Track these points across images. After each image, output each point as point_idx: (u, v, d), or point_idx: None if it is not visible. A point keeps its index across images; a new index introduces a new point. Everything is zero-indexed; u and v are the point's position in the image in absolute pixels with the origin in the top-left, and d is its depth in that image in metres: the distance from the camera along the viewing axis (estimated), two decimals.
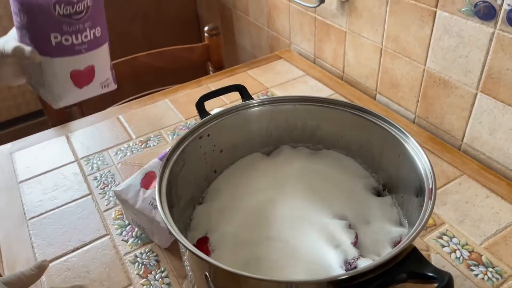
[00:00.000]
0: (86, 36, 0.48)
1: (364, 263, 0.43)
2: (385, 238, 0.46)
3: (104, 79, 0.54)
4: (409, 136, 0.46)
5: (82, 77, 0.51)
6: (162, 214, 0.40)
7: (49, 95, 0.51)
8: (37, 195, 0.71)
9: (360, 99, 0.89)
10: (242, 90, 0.56)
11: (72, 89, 0.50)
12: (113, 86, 0.56)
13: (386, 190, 0.52)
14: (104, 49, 0.51)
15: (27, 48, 0.46)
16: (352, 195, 0.51)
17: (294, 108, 0.55)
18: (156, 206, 0.57)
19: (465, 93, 0.70)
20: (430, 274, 0.33)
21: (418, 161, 0.44)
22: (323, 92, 0.92)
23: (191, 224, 0.52)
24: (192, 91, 0.95)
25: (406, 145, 0.46)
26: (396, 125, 0.48)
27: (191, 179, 0.51)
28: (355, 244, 0.46)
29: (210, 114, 0.53)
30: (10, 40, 0.48)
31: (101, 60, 0.52)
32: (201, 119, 0.52)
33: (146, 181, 0.61)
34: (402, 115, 0.84)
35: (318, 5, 0.90)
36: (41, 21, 0.45)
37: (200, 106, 0.54)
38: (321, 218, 0.47)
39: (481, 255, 0.56)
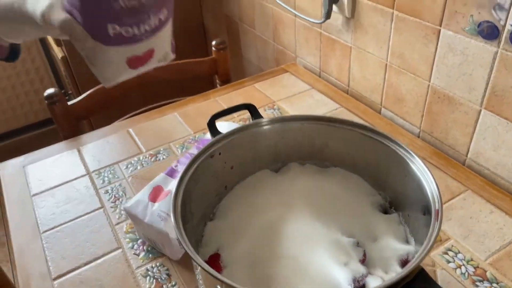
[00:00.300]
0: (150, 25, 0.41)
1: (372, 281, 0.44)
2: (392, 255, 0.47)
3: (162, 54, 0.47)
4: (416, 156, 0.48)
5: (140, 61, 0.45)
6: (178, 235, 0.41)
7: (99, 75, 0.45)
8: (50, 208, 0.73)
9: (365, 113, 0.90)
10: (251, 109, 0.57)
11: (126, 71, 0.45)
12: (171, 57, 0.49)
13: (392, 207, 0.54)
14: (168, 28, 0.45)
15: (79, 28, 0.39)
16: (359, 213, 0.53)
17: (302, 127, 0.57)
18: (165, 218, 0.59)
19: (469, 109, 0.71)
20: None
21: (424, 182, 0.45)
22: (329, 106, 0.93)
23: (203, 240, 0.53)
24: (200, 105, 0.97)
25: (413, 166, 0.47)
26: (402, 145, 0.49)
27: (203, 196, 0.53)
28: (363, 261, 0.47)
29: (222, 133, 0.54)
30: (57, 6, 0.40)
31: (162, 39, 0.45)
32: (213, 137, 0.54)
33: (153, 195, 0.63)
34: (407, 129, 0.85)
35: (324, 21, 0.92)
36: (97, 11, 0.39)
37: (211, 125, 0.56)
38: (330, 235, 0.49)
39: (485, 271, 0.57)
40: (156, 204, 0.61)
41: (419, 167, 0.47)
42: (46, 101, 0.92)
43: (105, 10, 0.39)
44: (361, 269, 0.45)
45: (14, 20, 0.44)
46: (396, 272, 0.45)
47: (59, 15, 0.39)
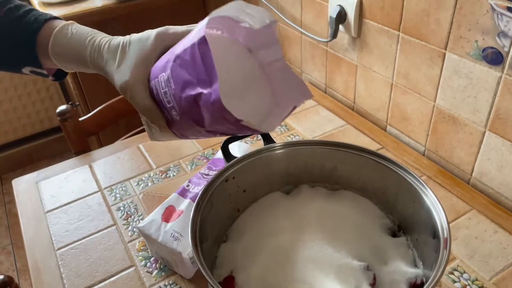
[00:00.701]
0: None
1: None
2: (401, 278, 0.49)
3: None
4: (425, 184, 0.49)
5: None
6: (196, 258, 0.43)
7: (150, 133, 0.49)
8: (63, 225, 0.75)
9: (371, 130, 0.92)
10: (264, 134, 0.59)
11: (177, 138, 0.48)
12: None
13: (401, 231, 0.55)
14: None
15: (159, 116, 0.42)
16: (369, 236, 0.54)
17: (312, 151, 0.59)
18: (177, 238, 0.61)
19: (474, 130, 0.73)
20: None
21: (433, 210, 0.47)
22: (335, 122, 0.95)
23: (216, 262, 0.55)
24: None
25: (421, 193, 0.49)
26: (412, 172, 0.51)
27: (217, 219, 0.55)
28: (373, 285, 0.49)
29: (236, 157, 0.56)
30: (140, 85, 0.42)
31: None
32: (227, 162, 0.56)
33: (166, 215, 0.65)
34: (413, 147, 0.87)
35: (330, 40, 0.94)
36: (191, 131, 0.42)
37: (225, 149, 0.57)
38: (341, 259, 0.50)
39: None
40: (169, 224, 0.63)
41: (428, 195, 0.48)
42: (58, 118, 0.94)
43: (196, 131, 0.41)
44: None
45: (82, 66, 0.46)
46: None
47: (144, 99, 0.42)
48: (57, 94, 2.06)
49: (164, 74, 0.41)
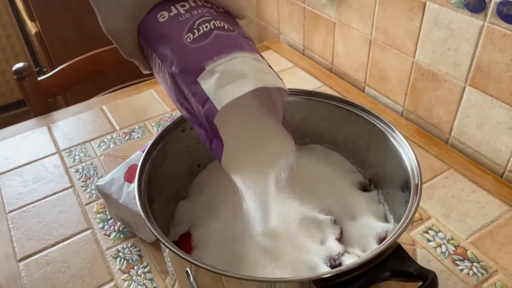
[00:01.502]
0: None
1: (348, 259, 0.42)
2: (370, 233, 0.46)
3: None
4: (396, 130, 0.45)
5: None
6: (141, 211, 0.39)
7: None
8: (16, 188, 0.70)
9: (348, 91, 0.88)
10: None
11: None
12: None
13: (372, 185, 0.52)
14: None
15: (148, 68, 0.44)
16: (338, 190, 0.50)
17: None
18: None
19: (454, 86, 0.69)
20: (414, 272, 0.33)
21: (404, 156, 0.43)
22: (312, 84, 0.91)
23: (174, 219, 0.50)
24: None
25: (392, 140, 0.45)
26: (383, 118, 0.47)
27: (173, 173, 0.50)
28: (340, 239, 0.45)
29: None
30: (128, 34, 0.40)
31: None
32: None
33: (129, 175, 0.60)
34: (391, 108, 0.83)
35: None
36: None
37: None
38: (306, 213, 0.47)
39: (466, 250, 0.56)
40: (132, 185, 0.58)
41: (399, 141, 0.44)
42: (14, 76, 0.87)
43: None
44: (338, 247, 0.43)
45: None
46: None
47: (131, 52, 0.42)
48: (27, 62, 1.97)
49: (164, 84, 0.42)
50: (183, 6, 0.40)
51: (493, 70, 0.63)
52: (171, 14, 0.39)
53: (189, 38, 0.38)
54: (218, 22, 0.39)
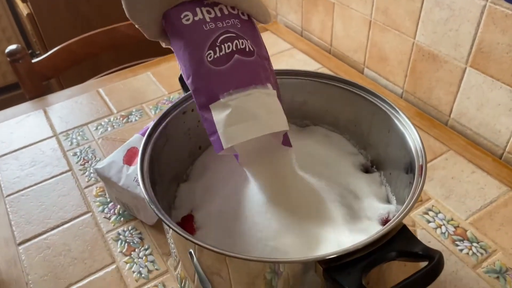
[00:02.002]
0: None
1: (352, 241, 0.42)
2: (373, 215, 0.46)
3: None
4: (399, 111, 0.45)
5: None
6: (144, 193, 0.38)
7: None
8: (14, 172, 0.69)
9: (348, 73, 0.87)
10: None
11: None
12: None
13: (374, 166, 0.52)
14: None
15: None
16: (340, 172, 0.50)
17: (281, 82, 0.53)
18: None
19: (454, 67, 0.69)
20: (420, 252, 0.33)
21: (408, 137, 0.43)
22: (310, 65, 0.90)
23: (175, 202, 0.50)
24: (176, 64, 0.92)
25: (396, 121, 0.45)
26: (386, 99, 0.47)
27: (174, 155, 0.49)
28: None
29: None
30: (153, 24, 0.41)
31: None
32: (185, 93, 0.50)
33: (128, 157, 0.59)
34: (390, 90, 0.83)
35: None
36: None
37: (183, 79, 0.52)
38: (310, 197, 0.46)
39: (466, 230, 0.56)
40: (132, 168, 0.58)
41: (403, 122, 0.44)
42: (8, 58, 0.86)
43: None
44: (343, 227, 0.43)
45: None
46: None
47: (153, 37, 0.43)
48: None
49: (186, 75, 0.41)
50: (209, 12, 0.40)
51: (494, 51, 0.62)
52: (196, 18, 0.39)
53: (210, 57, 0.39)
54: (240, 41, 0.40)
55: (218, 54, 0.39)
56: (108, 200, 0.63)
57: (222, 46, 0.39)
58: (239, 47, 0.39)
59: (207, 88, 0.39)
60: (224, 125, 0.38)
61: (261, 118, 0.39)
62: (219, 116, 0.39)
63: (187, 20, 0.39)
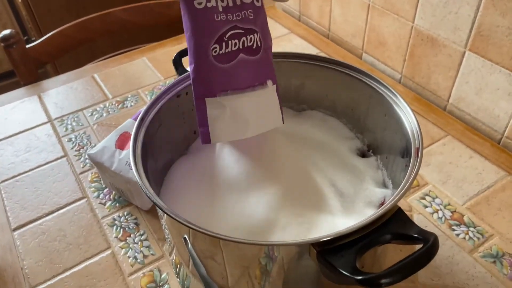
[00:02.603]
0: None
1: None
2: (369, 199, 0.45)
3: None
4: (397, 94, 0.44)
5: None
6: (137, 177, 0.38)
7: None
8: (8, 157, 0.68)
9: (346, 58, 0.86)
10: None
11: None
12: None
13: (370, 151, 0.51)
14: None
15: None
16: (336, 156, 0.50)
17: (277, 65, 0.52)
18: None
19: (453, 51, 0.68)
20: (414, 235, 0.32)
21: (405, 120, 0.42)
22: (308, 51, 0.89)
23: None
24: (172, 49, 0.91)
25: (393, 104, 0.44)
26: (383, 82, 0.46)
27: (169, 140, 0.49)
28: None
29: (189, 71, 0.49)
30: None
31: None
32: (179, 76, 0.49)
33: (120, 142, 0.59)
34: (388, 75, 0.82)
35: None
36: None
37: (177, 62, 0.51)
38: (307, 182, 0.46)
39: (463, 215, 0.56)
40: (124, 152, 0.57)
41: (400, 105, 0.43)
42: (1, 44, 0.84)
43: None
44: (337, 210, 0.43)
45: None
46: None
47: None
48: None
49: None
50: (222, 0, 0.39)
51: (494, 34, 0.61)
52: (208, 5, 0.39)
53: (215, 51, 0.39)
54: (249, 38, 0.39)
55: (223, 51, 0.39)
56: (103, 185, 0.63)
57: (229, 42, 0.39)
58: (246, 45, 0.39)
59: (206, 82, 0.40)
60: (216, 122, 0.40)
61: (253, 122, 0.41)
62: (213, 112, 0.40)
63: (199, 4, 0.38)
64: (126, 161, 0.56)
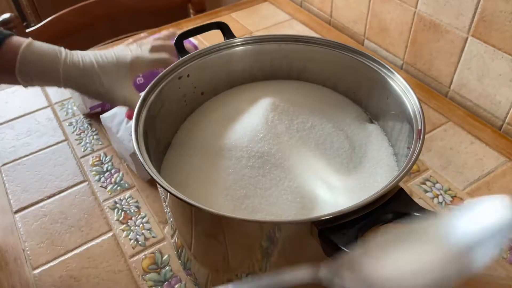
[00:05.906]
0: None
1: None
2: (376, 161, 0.45)
3: None
4: (398, 76, 0.44)
5: None
6: (140, 156, 0.38)
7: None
8: (9, 141, 0.68)
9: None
10: (224, 28, 0.52)
11: None
12: None
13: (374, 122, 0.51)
14: None
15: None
16: (344, 122, 0.49)
17: (279, 48, 0.52)
18: None
19: (456, 37, 0.68)
20: (416, 214, 0.33)
21: (407, 102, 0.42)
22: None
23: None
24: None
25: (395, 86, 0.44)
26: (385, 64, 0.46)
27: (170, 121, 0.49)
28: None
29: (190, 53, 0.49)
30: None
31: None
32: (181, 58, 0.49)
33: (130, 112, 0.59)
34: (390, 61, 0.81)
35: None
36: None
37: (179, 44, 0.51)
38: (309, 152, 0.46)
39: (463, 200, 0.56)
40: (131, 122, 0.58)
41: (402, 87, 0.43)
42: (1, 28, 0.84)
43: None
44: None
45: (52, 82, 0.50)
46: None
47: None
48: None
49: None
50: None
51: (497, 19, 0.61)
52: None
53: None
54: None
55: None
56: (104, 169, 0.63)
57: None
58: None
59: None
60: None
61: None
62: None
63: None
64: (131, 130, 0.57)
